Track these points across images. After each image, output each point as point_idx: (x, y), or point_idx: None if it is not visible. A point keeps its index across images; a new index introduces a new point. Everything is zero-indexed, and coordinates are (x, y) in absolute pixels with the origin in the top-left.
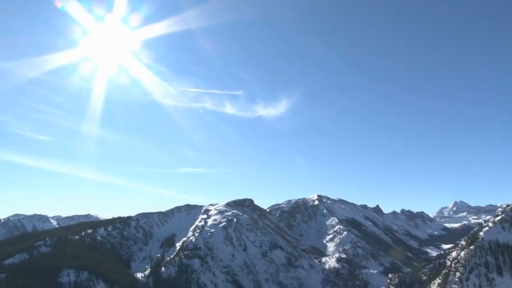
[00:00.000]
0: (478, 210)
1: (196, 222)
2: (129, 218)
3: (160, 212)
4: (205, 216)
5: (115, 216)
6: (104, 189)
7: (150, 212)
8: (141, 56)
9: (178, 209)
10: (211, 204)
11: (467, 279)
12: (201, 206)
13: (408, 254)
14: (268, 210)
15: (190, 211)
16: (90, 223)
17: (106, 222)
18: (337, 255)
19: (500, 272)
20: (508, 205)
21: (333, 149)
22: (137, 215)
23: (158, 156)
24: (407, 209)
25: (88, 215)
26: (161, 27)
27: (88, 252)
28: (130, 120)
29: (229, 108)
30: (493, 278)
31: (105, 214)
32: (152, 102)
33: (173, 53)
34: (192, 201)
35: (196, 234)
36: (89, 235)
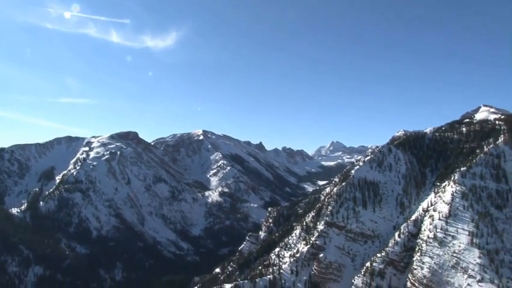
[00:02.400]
0: (351, 151)
1: (78, 155)
2: (2, 149)
3: (38, 143)
4: (87, 148)
5: None
6: None
7: (26, 144)
8: None
9: (58, 140)
10: (93, 137)
11: (337, 212)
12: (83, 138)
13: (287, 189)
14: (152, 143)
15: (71, 143)
16: None
17: None
18: (220, 189)
19: (365, 206)
20: (376, 146)
21: (220, 86)
22: (12, 146)
23: (36, 84)
24: (288, 146)
25: None
26: None
27: None
28: (2, 43)
29: (115, 37)
30: (359, 211)
31: None
32: (29, 24)
33: None
34: (73, 133)
35: (78, 167)
36: None
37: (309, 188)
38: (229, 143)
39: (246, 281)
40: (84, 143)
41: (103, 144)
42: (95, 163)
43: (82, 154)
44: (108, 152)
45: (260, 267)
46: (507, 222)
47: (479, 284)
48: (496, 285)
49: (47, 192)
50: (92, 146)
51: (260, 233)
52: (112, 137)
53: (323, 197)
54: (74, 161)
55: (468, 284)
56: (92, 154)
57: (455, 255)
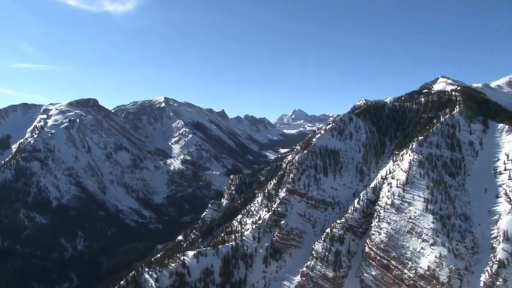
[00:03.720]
0: (313, 119)
1: (35, 123)
2: None
3: None
4: (44, 116)
5: None
6: None
7: None
8: None
9: (13, 108)
10: (51, 104)
11: (299, 179)
12: (40, 106)
13: (249, 157)
14: (113, 111)
15: (28, 111)
16: None
17: None
18: (182, 157)
19: (325, 173)
20: (338, 115)
21: (182, 53)
22: None
23: None
24: (250, 114)
25: None
26: None
27: None
28: None
29: (71, 0)
30: (320, 178)
31: None
32: None
33: None
34: (30, 100)
35: (35, 136)
36: None
37: (271, 156)
38: (191, 111)
39: (208, 248)
40: (41, 111)
41: (62, 112)
42: (53, 131)
43: (40, 122)
44: (67, 120)
45: (222, 234)
46: (459, 189)
47: (432, 247)
48: (446, 248)
49: (3, 162)
50: (50, 114)
51: (222, 200)
52: (70, 104)
53: (284, 165)
54: (31, 129)
55: (422, 248)
56: (50, 122)
57: (410, 220)
